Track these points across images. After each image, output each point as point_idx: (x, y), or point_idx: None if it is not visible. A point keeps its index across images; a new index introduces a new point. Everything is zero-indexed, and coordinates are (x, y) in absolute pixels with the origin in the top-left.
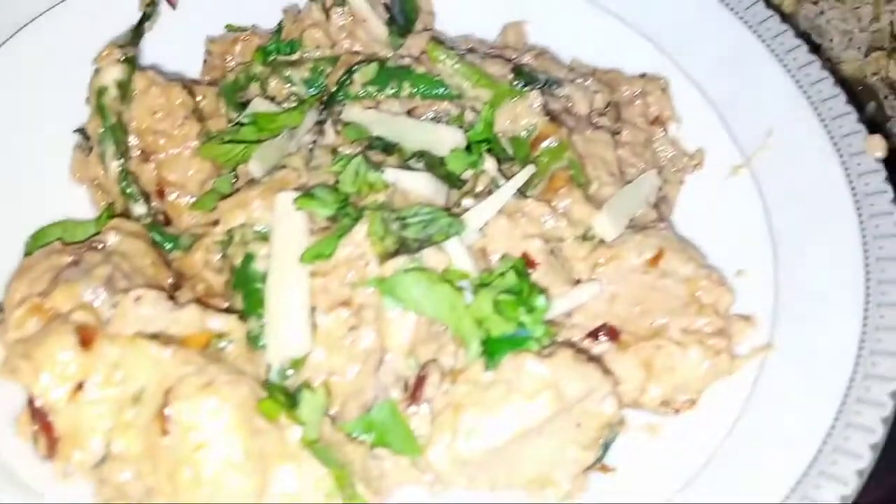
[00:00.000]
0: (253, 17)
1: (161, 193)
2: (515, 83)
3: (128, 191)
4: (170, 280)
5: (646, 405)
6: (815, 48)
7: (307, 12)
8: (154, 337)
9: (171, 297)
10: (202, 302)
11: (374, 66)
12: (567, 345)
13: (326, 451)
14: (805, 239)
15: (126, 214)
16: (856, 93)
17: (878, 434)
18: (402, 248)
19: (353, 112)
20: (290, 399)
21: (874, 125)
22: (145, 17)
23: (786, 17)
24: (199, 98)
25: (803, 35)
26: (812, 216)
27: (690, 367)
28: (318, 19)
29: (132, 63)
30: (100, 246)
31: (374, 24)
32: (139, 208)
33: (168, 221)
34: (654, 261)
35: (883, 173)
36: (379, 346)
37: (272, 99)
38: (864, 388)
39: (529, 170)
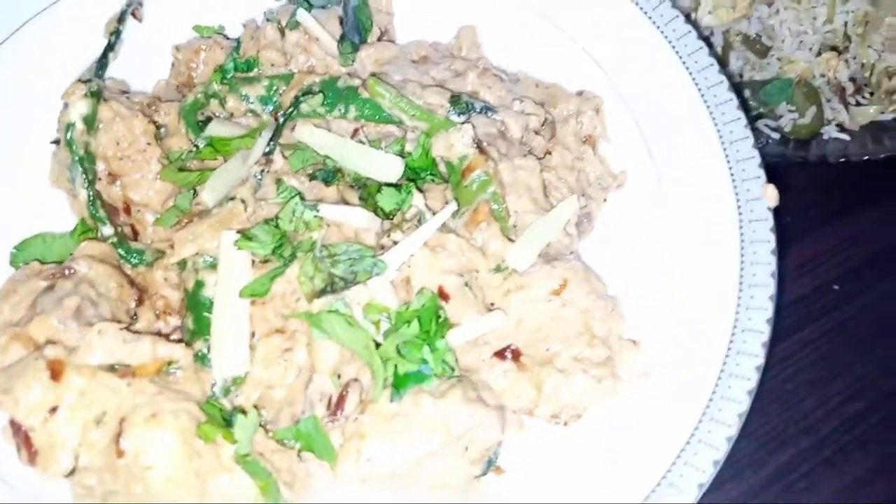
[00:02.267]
0: (217, 20)
1: (127, 210)
2: (452, 111)
3: (96, 215)
4: (133, 298)
5: (538, 416)
6: (766, 49)
7: (263, 32)
8: (113, 368)
9: (133, 316)
10: (160, 317)
11: (318, 98)
12: (460, 383)
13: (255, 465)
14: (692, 274)
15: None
16: (800, 95)
17: (722, 451)
18: (330, 286)
19: (303, 131)
20: (225, 420)
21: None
22: (109, 48)
23: (715, 53)
24: (162, 114)
25: (753, 39)
26: (702, 253)
27: (575, 392)
28: (273, 39)
29: (97, 96)
30: (71, 272)
31: (327, 41)
32: (106, 230)
33: (135, 234)
34: (559, 290)
35: (770, 222)
36: (309, 365)
37: (231, 115)
38: (717, 409)
39: (451, 208)
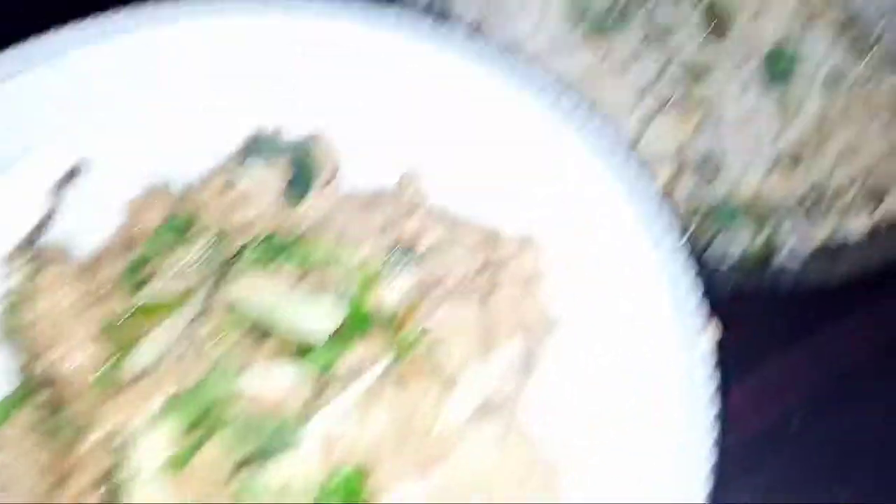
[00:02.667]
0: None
1: (58, 381)
2: (389, 261)
3: (24, 390)
4: (57, 474)
5: None
6: (715, 172)
7: (201, 190)
8: None
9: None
10: (83, 495)
11: (259, 249)
12: None
13: None
14: (631, 424)
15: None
16: (750, 219)
17: None
18: (249, 460)
19: (239, 286)
20: None
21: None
22: (48, 215)
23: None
24: (104, 275)
25: (701, 163)
26: (643, 397)
27: None
28: (214, 193)
29: (33, 264)
30: None
31: (271, 193)
32: (34, 402)
33: (65, 404)
34: (494, 448)
35: (711, 361)
36: None
37: (171, 274)
38: None
39: (384, 364)
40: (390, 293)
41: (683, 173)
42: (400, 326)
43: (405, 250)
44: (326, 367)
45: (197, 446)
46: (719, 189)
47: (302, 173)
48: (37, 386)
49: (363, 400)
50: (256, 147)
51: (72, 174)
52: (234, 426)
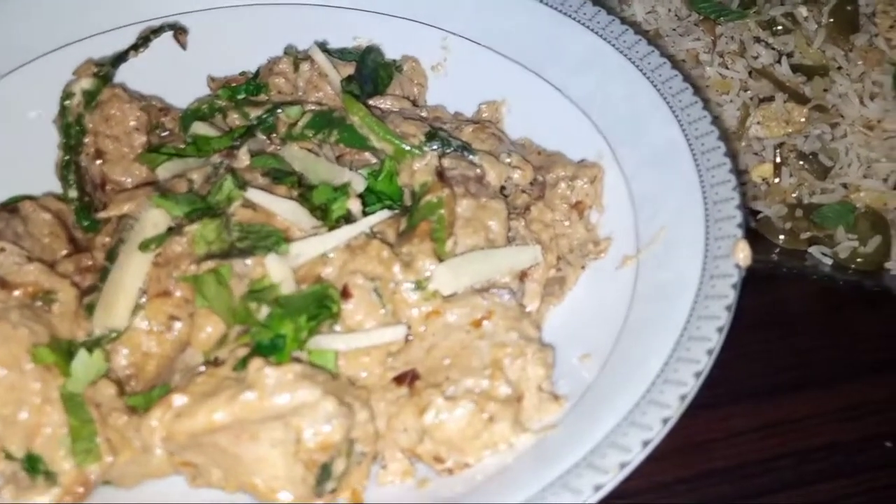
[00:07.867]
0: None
1: (103, 187)
2: (425, 144)
3: (66, 177)
4: (65, 250)
5: (422, 457)
6: (825, 170)
7: (277, 62)
8: None
9: (52, 265)
10: (81, 273)
11: (297, 108)
12: (312, 368)
13: (80, 406)
14: (644, 334)
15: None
16: (864, 224)
17: None
18: (225, 254)
19: (286, 149)
20: (69, 355)
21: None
22: (133, 47)
23: (716, 120)
24: (170, 119)
25: (810, 157)
26: (658, 314)
27: (459, 425)
28: (284, 70)
29: (104, 79)
30: (14, 210)
31: (334, 80)
32: (72, 192)
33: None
34: (479, 321)
35: (733, 278)
36: (185, 338)
37: (230, 130)
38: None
39: (383, 214)
40: (414, 171)
41: (790, 163)
42: (416, 200)
43: (442, 140)
44: (325, 207)
45: (177, 230)
46: (835, 191)
47: (375, 75)
48: (70, 181)
49: (354, 243)
50: (325, 47)
51: (166, 29)
52: (219, 220)
